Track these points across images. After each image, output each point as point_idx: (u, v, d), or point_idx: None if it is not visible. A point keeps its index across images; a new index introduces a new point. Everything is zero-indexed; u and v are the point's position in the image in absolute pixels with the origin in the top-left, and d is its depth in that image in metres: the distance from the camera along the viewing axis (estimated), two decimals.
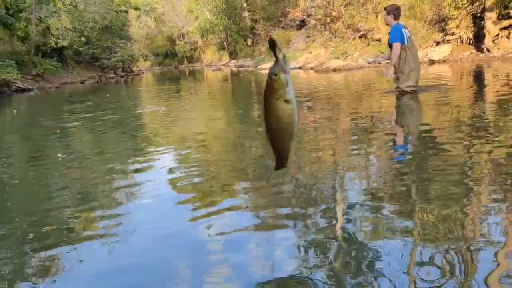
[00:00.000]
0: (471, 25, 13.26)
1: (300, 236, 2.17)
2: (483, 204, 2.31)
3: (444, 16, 13.88)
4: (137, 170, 3.86)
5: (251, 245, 2.13)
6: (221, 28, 37.34)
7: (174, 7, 49.97)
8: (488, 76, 9.08)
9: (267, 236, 2.21)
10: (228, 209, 2.63)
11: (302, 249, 2.04)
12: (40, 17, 24.51)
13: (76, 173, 3.93)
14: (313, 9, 20.28)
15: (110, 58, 34.48)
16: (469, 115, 4.81)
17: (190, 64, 50.23)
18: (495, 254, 1.79)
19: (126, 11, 41.13)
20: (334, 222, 2.28)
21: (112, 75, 32.86)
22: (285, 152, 1.30)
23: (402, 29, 6.16)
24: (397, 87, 6.39)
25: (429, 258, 1.81)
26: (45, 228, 2.55)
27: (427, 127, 4.52)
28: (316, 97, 7.90)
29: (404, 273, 1.73)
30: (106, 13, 32.66)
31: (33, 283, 1.96)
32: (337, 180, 2.96)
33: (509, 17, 12.22)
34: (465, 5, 13.19)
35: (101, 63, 34.12)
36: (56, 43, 25.06)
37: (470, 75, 9.47)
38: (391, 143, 4.01)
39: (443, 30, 14.09)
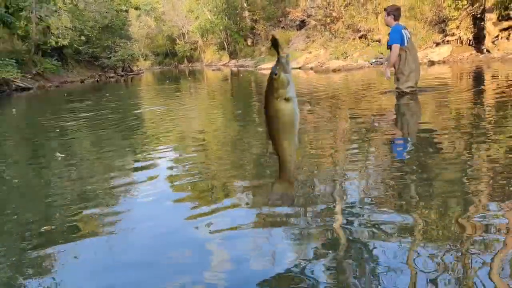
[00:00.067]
0: (471, 26, 13.27)
1: (300, 234, 2.17)
2: (483, 204, 2.32)
3: (444, 17, 13.89)
4: (136, 169, 3.87)
5: (250, 243, 2.14)
6: (221, 28, 37.33)
7: (174, 7, 49.96)
8: (487, 77, 9.08)
9: (266, 234, 2.21)
10: (228, 206, 2.64)
11: (301, 246, 2.04)
12: (40, 16, 24.51)
13: (75, 172, 3.93)
14: (313, 10, 20.29)
15: (110, 57, 34.46)
16: (468, 115, 4.82)
17: (190, 64, 50.21)
18: (495, 255, 1.80)
19: (126, 11, 41.10)
20: (334, 220, 2.28)
21: (112, 75, 32.85)
22: (286, 154, 1.27)
23: (402, 30, 6.16)
24: (397, 88, 6.39)
25: (429, 257, 1.81)
26: (45, 226, 2.55)
27: (426, 128, 4.52)
28: (316, 97, 7.90)
29: (403, 271, 1.73)
30: (106, 12, 32.65)
31: (33, 281, 1.96)
32: (337, 179, 2.96)
33: (509, 18, 12.23)
34: (465, 6, 13.20)
35: (101, 63, 34.10)
36: (56, 42, 25.06)
37: (469, 76, 9.47)
38: (390, 143, 4.01)
39: (443, 31, 14.10)
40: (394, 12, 6.29)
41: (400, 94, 6.29)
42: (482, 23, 12.79)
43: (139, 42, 48.08)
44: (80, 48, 29.02)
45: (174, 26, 51.27)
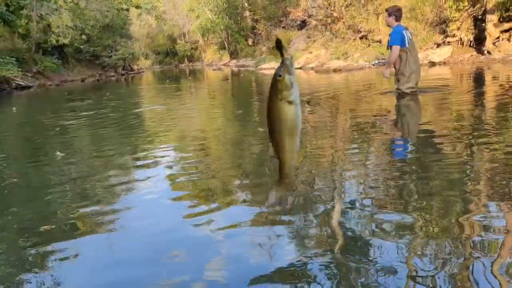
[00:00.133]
0: (472, 27, 13.26)
1: (300, 232, 2.18)
2: (483, 204, 2.32)
3: (445, 18, 13.87)
4: (136, 167, 3.87)
5: (250, 240, 2.15)
6: (222, 27, 37.30)
7: (175, 6, 49.92)
8: (488, 79, 9.08)
9: (266, 232, 2.22)
10: (227, 205, 2.65)
11: (301, 244, 2.05)
12: (41, 14, 24.51)
13: (75, 171, 3.93)
14: (314, 10, 20.28)
15: (111, 56, 34.45)
16: (468, 116, 4.82)
17: (190, 63, 50.18)
18: (495, 255, 1.80)
19: (127, 10, 41.12)
20: (333, 219, 2.29)
21: (112, 74, 32.85)
22: (287, 157, 1.26)
23: (403, 31, 6.15)
24: (397, 89, 6.39)
25: (429, 257, 1.81)
26: (44, 226, 2.55)
27: (426, 128, 4.52)
28: (317, 97, 7.90)
29: (402, 270, 1.73)
30: (107, 11, 32.64)
31: (33, 278, 1.96)
32: (336, 179, 2.97)
33: (510, 20, 12.22)
34: (466, 7, 13.19)
35: (102, 61, 34.09)
36: (57, 41, 25.06)
37: (470, 77, 9.47)
38: (391, 144, 4.01)
39: (444, 32, 14.09)
40: (396, 12, 6.29)
41: (400, 95, 6.28)
42: (483, 24, 12.78)
43: (139, 41, 48.07)
44: (80, 46, 29.03)
45: (175, 25, 51.24)
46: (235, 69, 27.82)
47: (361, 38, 16.89)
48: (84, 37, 28.27)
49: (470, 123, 4.47)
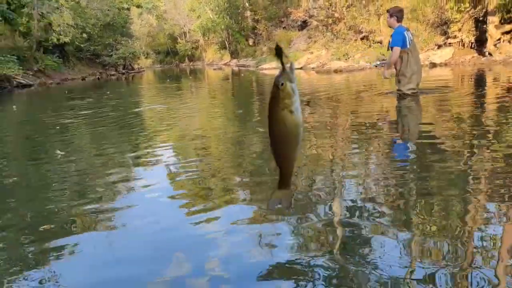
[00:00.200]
0: (473, 28, 13.26)
1: (300, 230, 2.18)
2: (483, 205, 2.32)
3: (446, 19, 13.88)
4: (136, 166, 3.87)
5: (250, 239, 2.15)
6: (222, 27, 37.30)
7: (176, 5, 49.90)
8: (489, 80, 9.08)
9: (266, 229, 2.22)
10: (227, 202, 2.66)
11: (301, 242, 2.05)
12: (42, 12, 24.50)
13: (75, 169, 3.93)
14: (315, 10, 20.27)
15: (111, 55, 34.44)
16: (469, 117, 4.81)
17: (191, 63, 50.18)
18: (495, 256, 1.79)
19: (128, 9, 41.09)
20: (333, 218, 2.29)
21: (113, 72, 32.84)
22: (289, 165, 1.25)
23: (405, 32, 6.14)
24: (398, 90, 6.39)
25: (428, 258, 1.81)
26: (45, 223, 2.55)
27: (427, 129, 4.52)
28: (317, 97, 7.89)
29: (402, 270, 1.73)
30: (108, 10, 32.62)
31: (33, 276, 1.96)
32: (336, 178, 2.97)
33: (511, 21, 12.22)
34: (468, 9, 13.19)
35: (102, 60, 34.08)
36: (58, 39, 25.04)
37: (471, 79, 9.47)
38: (391, 145, 4.01)
39: (445, 33, 14.08)
40: (397, 13, 6.28)
41: (401, 96, 6.28)
42: (484, 26, 12.78)
43: (140, 40, 48.04)
44: (81, 45, 29.00)
45: (175, 24, 51.21)
46: (236, 69, 27.82)
47: (362, 39, 16.89)
48: (85, 35, 28.25)
49: (471, 124, 4.46)
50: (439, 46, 14.13)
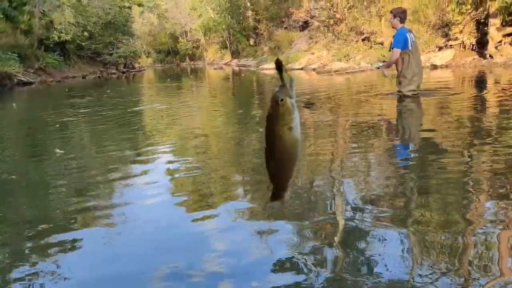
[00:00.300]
0: (475, 30, 13.24)
1: (299, 227, 2.19)
2: (483, 207, 2.31)
3: (448, 21, 13.86)
4: (136, 165, 3.86)
5: (250, 236, 2.16)
6: (224, 27, 37.30)
7: (177, 5, 49.90)
8: (490, 82, 9.08)
9: (266, 227, 2.23)
10: (227, 200, 2.67)
11: (300, 240, 2.05)
12: (43, 10, 24.50)
13: (74, 168, 3.92)
14: (317, 11, 20.27)
15: (112, 53, 34.46)
16: (469, 119, 4.81)
17: (192, 62, 50.18)
18: (495, 260, 1.79)
19: (129, 7, 41.09)
20: (332, 215, 2.29)
21: (113, 71, 32.86)
22: (284, 183, 1.20)
23: (407, 34, 6.13)
24: (398, 91, 6.38)
25: (428, 260, 1.81)
26: (44, 221, 2.55)
27: (427, 131, 4.51)
28: (318, 97, 7.89)
29: (402, 272, 1.72)
30: (109, 8, 32.66)
31: (32, 274, 1.95)
32: (336, 177, 2.96)
33: None
34: (469, 11, 13.18)
35: (103, 59, 34.10)
36: (59, 37, 25.05)
37: (472, 81, 9.47)
38: (391, 146, 4.00)
39: (446, 35, 14.07)
40: (400, 14, 6.26)
41: (402, 97, 6.27)
42: (486, 28, 12.76)
43: (141, 39, 48.02)
44: (82, 43, 29.02)
45: (176, 23, 51.22)
46: (236, 68, 27.83)
47: (363, 40, 16.88)
48: (86, 34, 28.27)
49: (471, 125, 4.46)
50: (440, 48, 14.12)
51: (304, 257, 1.90)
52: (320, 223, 2.23)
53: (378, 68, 14.42)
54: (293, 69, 18.39)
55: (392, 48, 6.26)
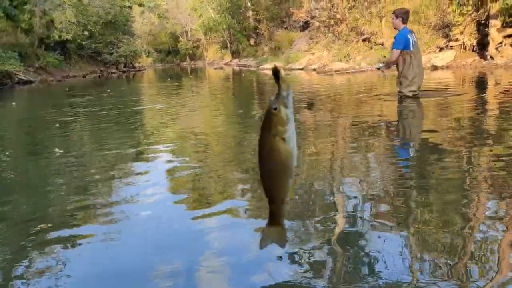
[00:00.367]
0: (475, 32, 13.24)
1: (298, 225, 2.19)
2: (483, 208, 2.31)
3: (449, 22, 13.86)
4: (136, 164, 3.86)
5: (250, 234, 2.16)
6: (224, 26, 37.31)
7: (178, 4, 49.95)
8: (490, 84, 9.08)
9: (264, 225, 2.21)
10: (228, 199, 2.68)
11: (299, 237, 2.06)
12: (44, 9, 24.50)
13: (73, 167, 3.92)
14: (317, 11, 20.26)
15: (112, 53, 34.46)
16: (470, 121, 4.80)
17: (192, 62, 50.20)
18: (494, 259, 1.79)
19: (130, 7, 41.10)
20: (332, 214, 2.28)
21: (114, 70, 32.88)
22: (278, 199, 1.13)
23: (408, 35, 6.13)
24: (399, 92, 6.38)
25: (428, 263, 1.80)
26: (43, 220, 2.54)
27: (428, 131, 4.51)
28: (318, 98, 7.89)
29: (402, 273, 1.72)
30: (110, 8, 32.67)
31: (31, 273, 1.95)
32: (336, 176, 2.96)
33: None
34: (470, 12, 13.18)
35: (104, 58, 34.11)
36: (60, 36, 25.05)
37: (472, 82, 9.46)
38: (392, 146, 4.00)
39: (447, 36, 14.07)
40: (403, 15, 6.25)
41: (402, 98, 6.27)
42: (486, 29, 12.76)
43: (141, 39, 48.05)
44: (83, 43, 29.03)
45: (177, 23, 51.25)
46: (237, 68, 27.83)
47: (363, 40, 16.87)
48: (86, 33, 28.26)
49: (472, 127, 4.46)
50: (441, 49, 14.11)
51: (304, 255, 1.90)
52: (320, 222, 2.23)
53: (379, 68, 14.41)
54: (293, 69, 18.40)
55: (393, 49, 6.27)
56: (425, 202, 2.46)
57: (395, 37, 6.27)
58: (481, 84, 9.08)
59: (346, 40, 17.49)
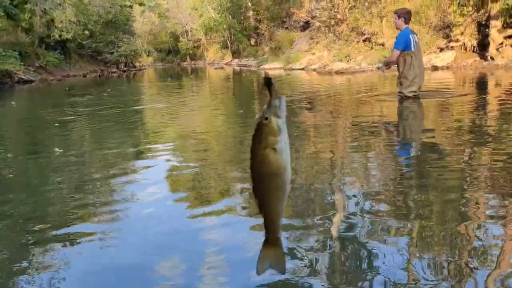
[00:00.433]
0: (476, 32, 13.23)
1: (297, 224, 2.19)
2: (483, 210, 2.31)
3: (449, 22, 13.85)
4: (136, 164, 3.86)
5: (250, 232, 2.16)
6: (224, 26, 37.29)
7: (178, 4, 49.90)
8: (490, 84, 9.07)
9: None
10: (228, 198, 2.68)
11: (298, 235, 2.06)
12: (44, 8, 24.50)
13: (73, 167, 3.92)
14: (318, 11, 20.24)
15: (113, 52, 34.45)
16: (470, 121, 4.80)
17: (192, 62, 50.17)
18: (494, 260, 1.78)
19: (130, 6, 41.11)
20: (332, 212, 2.28)
21: (114, 70, 32.85)
22: (273, 215, 1.06)
23: (410, 35, 6.12)
24: (399, 92, 6.37)
25: (427, 264, 1.80)
26: (42, 219, 2.55)
27: (428, 132, 4.51)
28: (318, 98, 7.89)
29: (402, 276, 1.72)
30: (110, 7, 32.65)
31: (30, 276, 1.95)
32: (336, 176, 2.96)
33: None
34: (470, 13, 13.17)
35: (104, 57, 34.09)
36: (60, 36, 25.04)
37: (473, 83, 9.46)
38: (392, 146, 4.00)
39: (447, 36, 14.06)
40: (405, 15, 6.25)
41: (403, 98, 6.26)
42: (487, 30, 12.75)
43: (142, 38, 48.02)
44: (83, 42, 29.02)
45: (177, 23, 51.20)
46: (237, 68, 27.82)
47: (364, 40, 16.86)
48: (87, 32, 28.26)
49: (472, 127, 4.46)
50: (441, 49, 14.10)
51: (304, 253, 1.90)
52: (319, 221, 2.23)
53: (379, 68, 14.39)
54: (293, 69, 18.40)
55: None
56: (424, 201, 2.46)
57: (396, 37, 6.26)
58: (481, 85, 9.08)
59: (346, 40, 17.48)
